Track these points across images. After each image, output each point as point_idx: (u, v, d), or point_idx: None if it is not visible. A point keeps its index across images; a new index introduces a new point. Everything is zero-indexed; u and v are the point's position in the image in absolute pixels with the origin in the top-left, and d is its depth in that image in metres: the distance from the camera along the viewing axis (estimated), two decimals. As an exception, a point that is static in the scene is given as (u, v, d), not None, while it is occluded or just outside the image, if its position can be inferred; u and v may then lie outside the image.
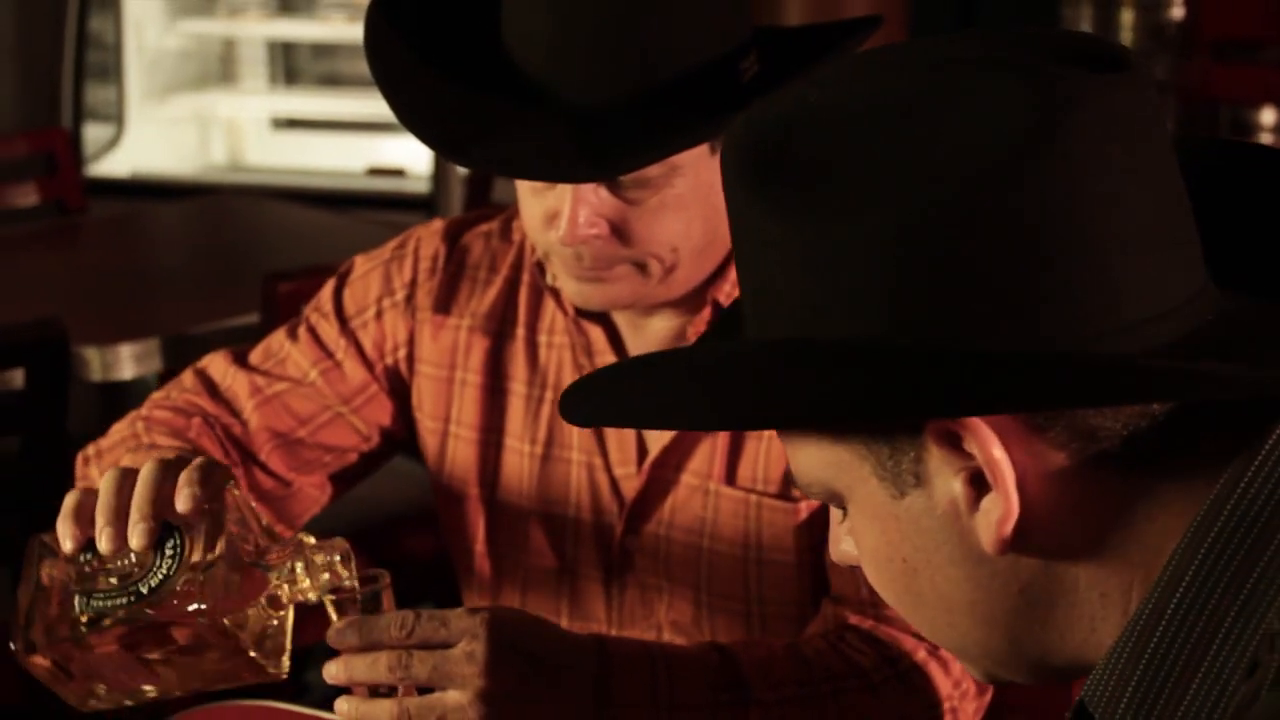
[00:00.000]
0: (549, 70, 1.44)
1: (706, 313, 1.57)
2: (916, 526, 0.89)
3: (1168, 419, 0.85)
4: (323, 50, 5.75)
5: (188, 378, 1.72)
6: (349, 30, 5.43)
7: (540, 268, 1.65)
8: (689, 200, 1.48)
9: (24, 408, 2.55)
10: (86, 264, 3.49)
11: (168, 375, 3.12)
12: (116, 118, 5.41)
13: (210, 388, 1.70)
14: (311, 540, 1.30)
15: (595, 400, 0.95)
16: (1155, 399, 0.84)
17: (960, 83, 0.86)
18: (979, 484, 0.86)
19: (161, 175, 5.35)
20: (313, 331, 1.71)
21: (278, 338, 1.72)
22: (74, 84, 5.17)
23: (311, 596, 1.29)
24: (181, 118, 5.56)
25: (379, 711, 1.34)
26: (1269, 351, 0.86)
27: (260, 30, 5.62)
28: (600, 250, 1.48)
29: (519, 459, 1.67)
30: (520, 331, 1.67)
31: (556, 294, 1.64)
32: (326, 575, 1.29)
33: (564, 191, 1.46)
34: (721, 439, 1.59)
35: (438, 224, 1.72)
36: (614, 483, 1.64)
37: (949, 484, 0.87)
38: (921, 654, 1.50)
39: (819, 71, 0.92)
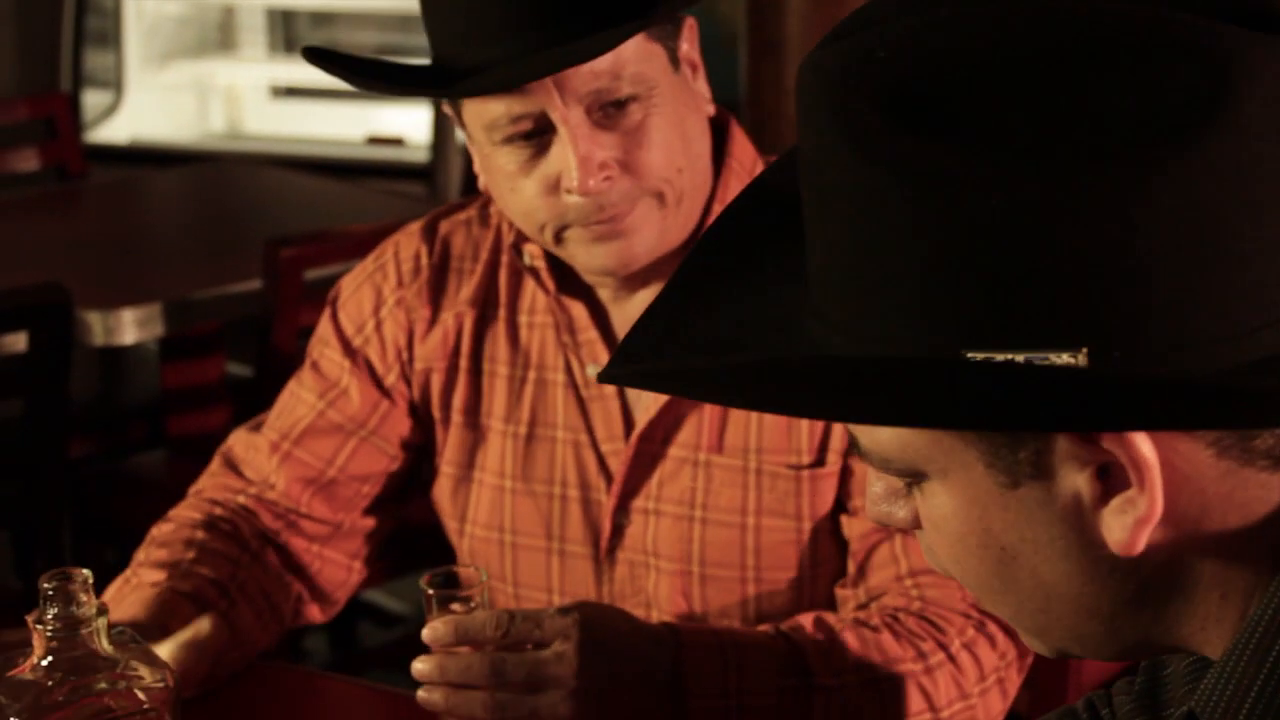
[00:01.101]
0: (492, 25, 1.46)
1: None
2: (1028, 517, 0.82)
3: None
4: (322, 18, 5.73)
5: (214, 463, 1.76)
6: (348, -2, 5.43)
7: (517, 249, 1.65)
8: (675, 118, 1.51)
9: (27, 371, 2.56)
10: (88, 229, 3.48)
11: (169, 341, 3.14)
12: (115, 84, 5.40)
13: (234, 466, 1.73)
14: None
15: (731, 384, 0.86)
16: None
17: (1122, 44, 0.77)
18: (1108, 479, 0.80)
19: (160, 142, 5.34)
20: (316, 366, 1.72)
21: (287, 389, 1.75)
22: (73, 50, 5.16)
23: None
24: (180, 85, 5.55)
25: (473, 703, 1.37)
26: None
27: (259, -3, 5.61)
28: (616, 191, 1.49)
29: (503, 440, 1.67)
30: (502, 313, 1.67)
31: (536, 273, 1.64)
32: None
33: (563, 148, 1.47)
34: (710, 408, 1.59)
35: (414, 225, 1.73)
36: (601, 459, 1.64)
37: (1074, 478, 0.80)
38: (970, 632, 1.53)
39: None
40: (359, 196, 3.68)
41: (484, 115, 1.50)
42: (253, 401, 2.89)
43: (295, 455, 1.69)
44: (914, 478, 0.86)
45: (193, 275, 3.03)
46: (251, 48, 5.73)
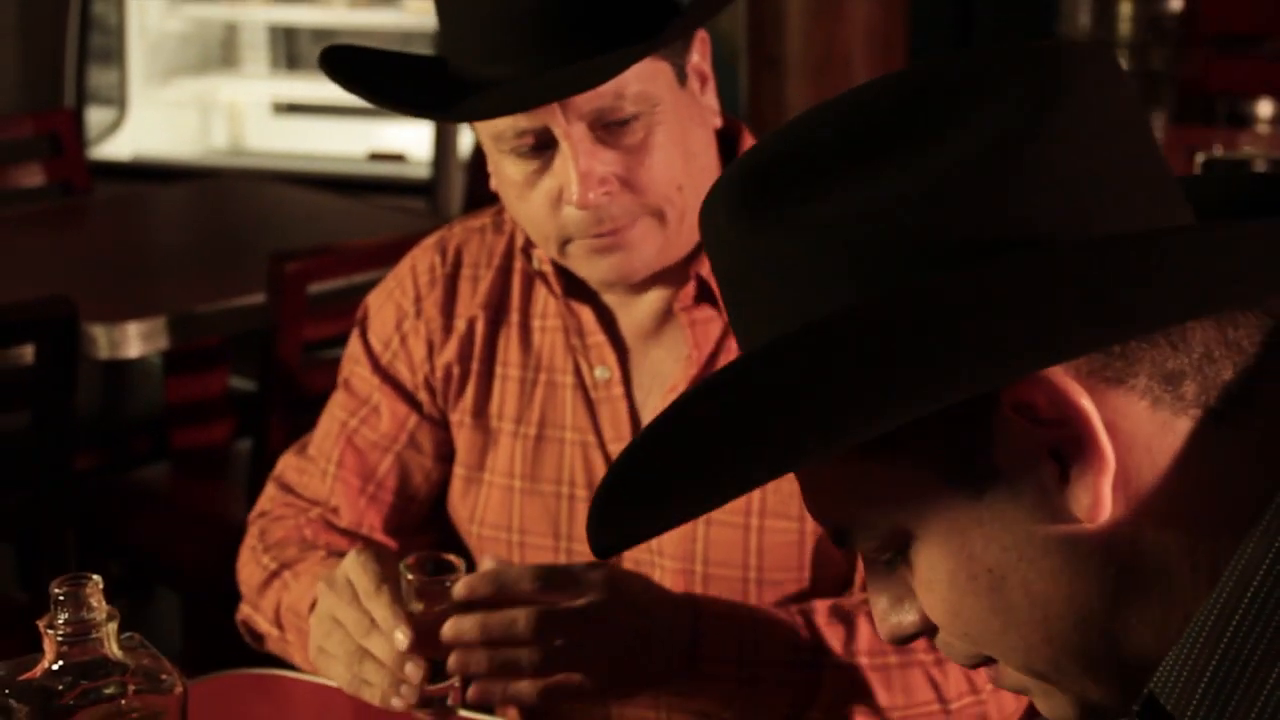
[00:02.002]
0: (503, 42, 1.48)
1: (691, 287, 1.60)
2: (1002, 523, 0.84)
3: (1248, 358, 0.84)
4: (324, 35, 5.76)
5: (270, 490, 1.79)
6: (350, 15, 5.45)
7: (527, 254, 1.67)
8: (677, 134, 1.53)
9: (33, 383, 2.57)
10: (93, 244, 3.50)
11: (173, 354, 3.15)
12: (118, 101, 5.42)
13: (291, 491, 1.77)
14: None
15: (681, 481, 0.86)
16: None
17: (970, 74, 0.86)
18: (1061, 457, 0.83)
19: (163, 159, 5.36)
20: (348, 384, 1.76)
21: (326, 410, 1.78)
22: (77, 67, 5.18)
23: None
24: (183, 101, 5.58)
25: (517, 659, 1.43)
26: None
27: (262, 14, 5.63)
28: (616, 206, 1.51)
29: (513, 441, 1.69)
30: (515, 318, 1.70)
31: (544, 277, 1.66)
32: None
33: (565, 162, 1.49)
34: None
35: (429, 240, 1.76)
36: (608, 459, 1.66)
37: (1031, 465, 0.83)
38: None
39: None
40: (361, 211, 3.69)
41: (491, 127, 1.52)
42: (257, 415, 2.91)
43: (342, 476, 1.73)
44: (901, 541, 0.88)
45: (197, 289, 3.04)
46: (254, 64, 5.76)
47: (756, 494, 1.61)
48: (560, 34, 1.46)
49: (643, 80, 1.50)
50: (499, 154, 1.54)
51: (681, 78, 1.54)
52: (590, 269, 1.57)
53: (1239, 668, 0.81)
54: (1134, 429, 0.83)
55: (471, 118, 1.52)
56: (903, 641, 0.94)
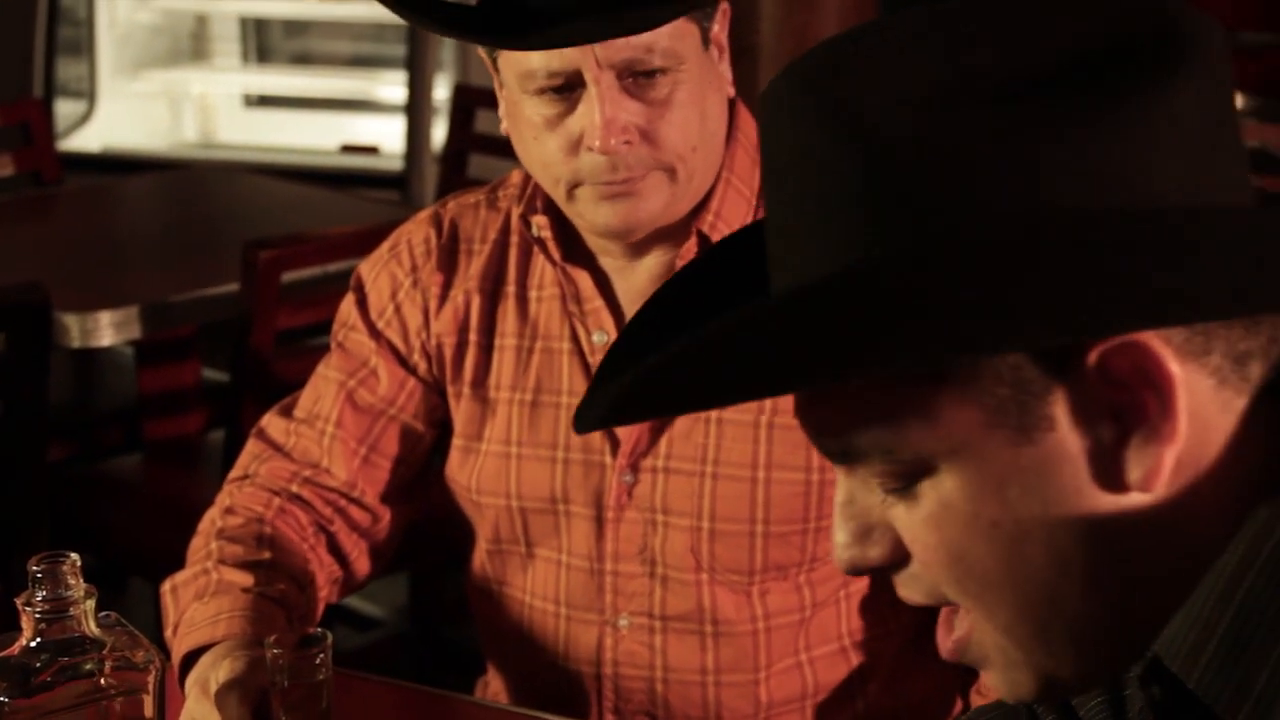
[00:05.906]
0: None
1: (693, 244, 1.63)
2: (1041, 476, 0.81)
3: None
4: (295, 27, 5.74)
5: (254, 445, 1.78)
6: (321, 8, 5.43)
7: (525, 221, 1.69)
8: (697, 95, 1.56)
9: (5, 372, 2.55)
10: (64, 234, 3.48)
11: (145, 345, 3.14)
12: (88, 93, 5.39)
13: (280, 450, 1.76)
14: None
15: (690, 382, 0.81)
16: None
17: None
18: (1123, 418, 0.80)
19: (133, 151, 5.33)
20: (342, 347, 1.77)
21: (316, 374, 1.78)
22: (45, 58, 5.15)
23: None
24: (153, 94, 5.55)
25: None
26: None
27: (232, 6, 5.61)
28: (633, 156, 1.54)
29: (509, 408, 1.71)
30: (511, 289, 1.72)
31: (543, 244, 1.68)
32: None
33: (590, 107, 1.53)
34: None
35: (423, 213, 1.78)
36: None
37: (1091, 423, 0.80)
38: None
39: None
40: (333, 202, 3.68)
41: (520, 65, 1.55)
42: (229, 406, 2.90)
43: (340, 437, 1.74)
44: (918, 472, 0.84)
45: (169, 279, 3.03)
46: (224, 57, 5.73)
47: (763, 446, 1.62)
48: None
49: (673, 37, 1.53)
50: (522, 94, 1.57)
51: (706, 42, 1.58)
52: (596, 214, 1.58)
53: (1251, 627, 0.79)
54: (1197, 405, 0.81)
55: (519, 48, 1.52)
56: (859, 573, 0.89)
